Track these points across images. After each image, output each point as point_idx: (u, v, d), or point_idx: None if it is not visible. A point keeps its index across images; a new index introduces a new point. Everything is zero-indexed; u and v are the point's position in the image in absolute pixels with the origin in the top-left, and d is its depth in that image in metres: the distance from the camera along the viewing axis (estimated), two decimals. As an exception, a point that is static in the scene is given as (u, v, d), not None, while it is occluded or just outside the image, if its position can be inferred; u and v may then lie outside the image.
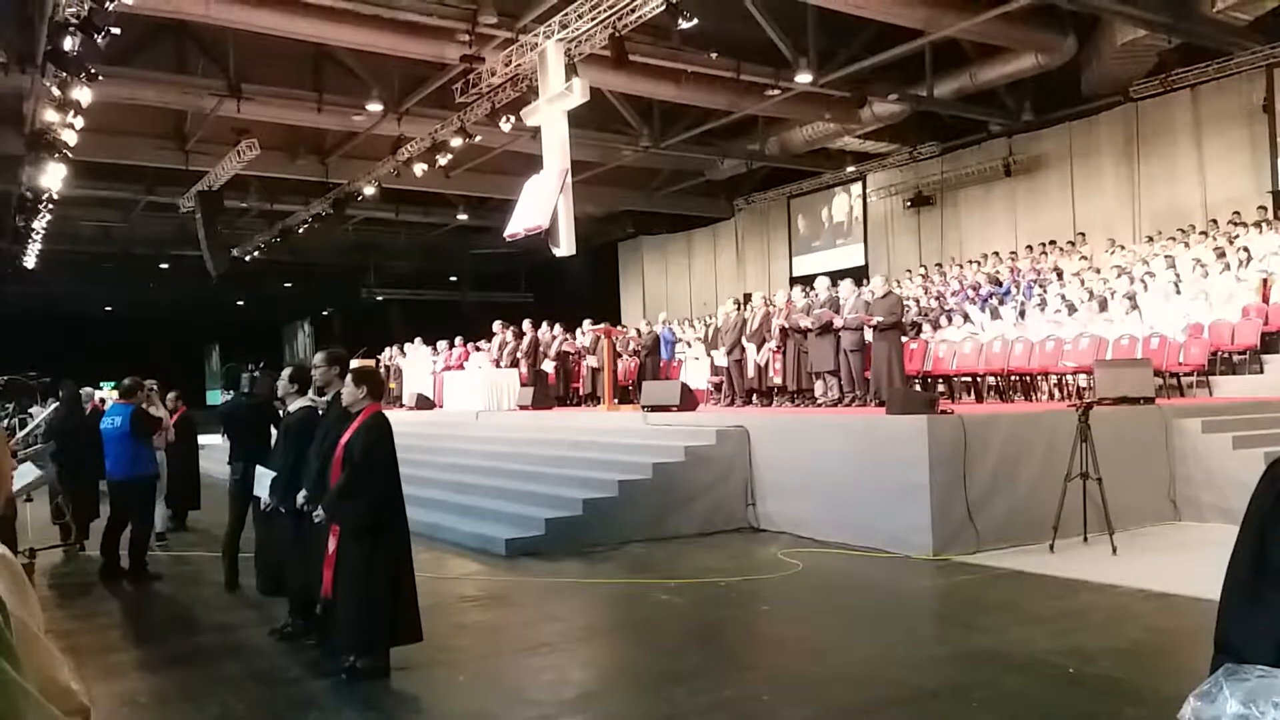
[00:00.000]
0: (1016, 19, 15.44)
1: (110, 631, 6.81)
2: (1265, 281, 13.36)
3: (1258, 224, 15.95)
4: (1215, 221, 17.22)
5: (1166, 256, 15.42)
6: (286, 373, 6.57)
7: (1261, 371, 12.34)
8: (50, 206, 20.64)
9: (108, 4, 11.51)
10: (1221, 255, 14.58)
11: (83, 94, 13.67)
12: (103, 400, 13.04)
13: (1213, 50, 17.43)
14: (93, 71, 13.11)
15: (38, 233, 23.23)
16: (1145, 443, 9.62)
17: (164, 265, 33.54)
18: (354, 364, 6.76)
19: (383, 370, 21.19)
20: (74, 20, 11.71)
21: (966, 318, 15.33)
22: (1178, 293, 13.65)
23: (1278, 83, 17.63)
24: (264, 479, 6.28)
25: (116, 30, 12.07)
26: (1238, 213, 16.90)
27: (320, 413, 6.22)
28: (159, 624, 7.12)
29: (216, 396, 37.13)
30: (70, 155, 16.13)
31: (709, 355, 15.13)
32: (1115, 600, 6.68)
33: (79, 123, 14.79)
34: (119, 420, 8.57)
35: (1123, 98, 19.45)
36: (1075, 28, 16.68)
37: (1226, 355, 12.63)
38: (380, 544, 5.29)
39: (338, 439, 5.51)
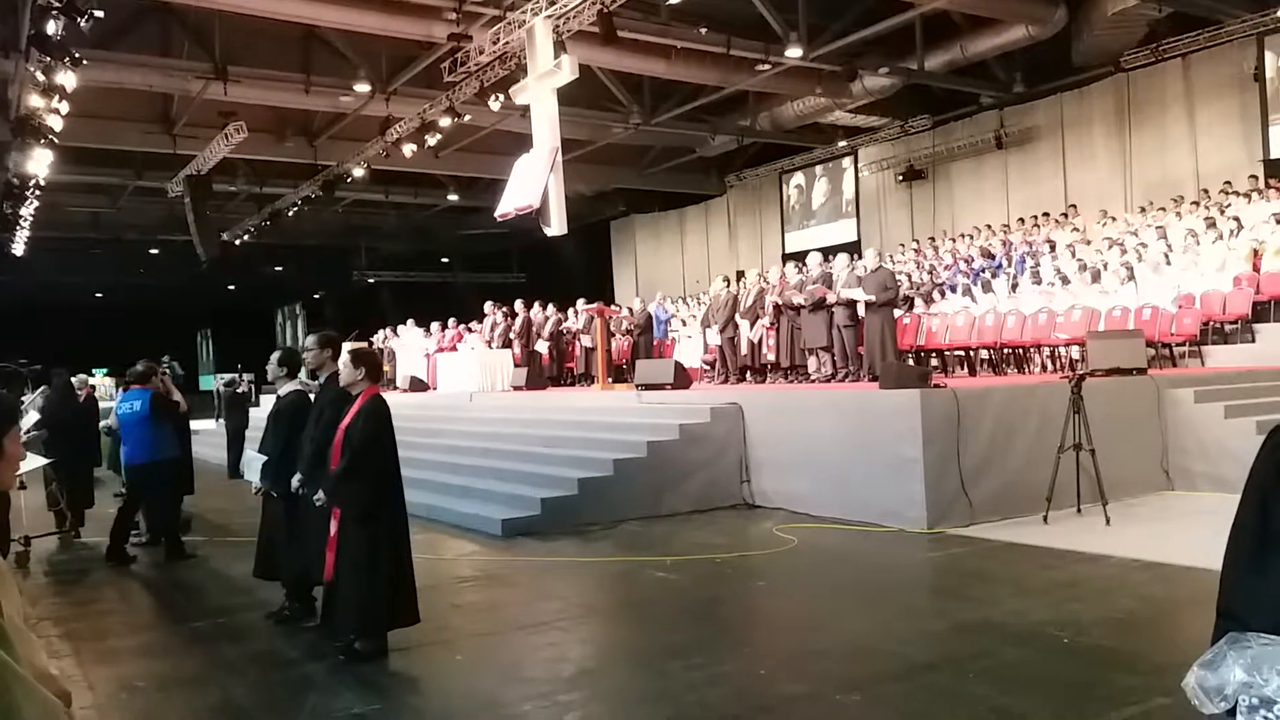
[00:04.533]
0: (1007, -11, 15.39)
1: (108, 617, 6.81)
2: (1256, 251, 13.37)
3: (1248, 193, 15.94)
4: (1206, 191, 17.22)
5: (1158, 228, 15.42)
6: (276, 356, 6.55)
7: (1253, 341, 12.37)
8: (38, 193, 20.52)
9: (90, -14, 11.40)
10: (1213, 225, 14.58)
11: (67, 78, 13.55)
12: (93, 387, 13.02)
13: (1203, 19, 17.39)
14: (77, 56, 12.99)
15: (26, 219, 23.10)
16: (1138, 413, 9.65)
17: (154, 250, 33.40)
18: (349, 346, 6.69)
19: (378, 352, 21.14)
20: (57, 3, 11.59)
21: (968, 291, 15.31)
22: (1168, 263, 13.66)
23: (1268, 51, 17.58)
24: (254, 463, 6.27)
25: (100, 13, 11.96)
26: (1229, 182, 16.90)
27: (311, 396, 6.20)
28: (156, 609, 7.13)
29: (210, 381, 37.01)
30: (57, 141, 16.02)
31: (703, 333, 15.12)
32: (1109, 570, 6.71)
33: (64, 108, 14.68)
34: (138, 405, 8.55)
35: (1114, 68, 19.39)
36: (1065, -3, 16.62)
37: (1218, 325, 12.66)
38: (382, 526, 5.31)
39: (333, 421, 5.51)
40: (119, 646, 5.95)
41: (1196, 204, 16.61)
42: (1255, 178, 16.67)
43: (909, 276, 16.92)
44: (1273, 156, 17.44)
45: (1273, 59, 17.54)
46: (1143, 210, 17.85)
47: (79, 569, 8.57)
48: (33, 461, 8.26)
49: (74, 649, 5.78)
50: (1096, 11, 16.69)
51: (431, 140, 18.59)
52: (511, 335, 18.10)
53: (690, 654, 5.22)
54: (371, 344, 21.46)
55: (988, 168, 22.42)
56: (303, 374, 6.57)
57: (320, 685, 5.01)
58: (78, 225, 29.36)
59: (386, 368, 20.91)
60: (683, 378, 12.48)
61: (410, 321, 22.00)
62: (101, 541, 8.84)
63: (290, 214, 25.41)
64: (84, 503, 10.11)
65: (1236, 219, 14.50)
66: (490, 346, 18.22)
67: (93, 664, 5.47)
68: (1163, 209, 17.16)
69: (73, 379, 11.20)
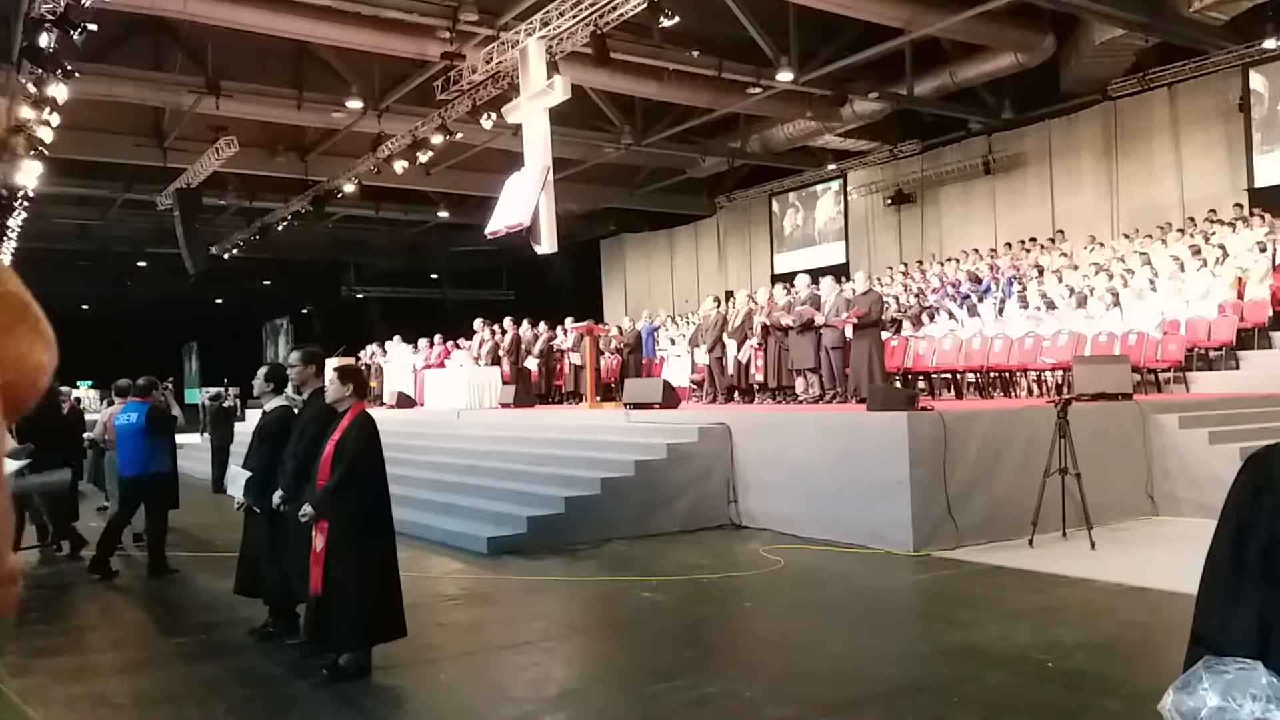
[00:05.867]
0: (996, 17, 15.54)
1: (88, 633, 6.75)
2: (1240, 279, 13.49)
3: (1233, 221, 16.10)
4: (1192, 219, 17.37)
5: (1141, 254, 15.55)
6: (262, 372, 6.54)
7: (1237, 367, 12.46)
8: (26, 204, 20.45)
9: (84, 0, 11.40)
10: (1198, 253, 14.71)
11: (59, 91, 13.54)
12: (78, 400, 12.97)
13: (1189, 49, 17.58)
14: (69, 68, 12.99)
15: (13, 230, 23.00)
16: (1123, 438, 9.70)
17: (142, 263, 33.28)
18: (336, 362, 6.65)
19: (363, 369, 21.10)
20: (50, 16, 11.61)
21: (951, 315, 15.40)
22: (1154, 290, 13.77)
23: (1253, 82, 17.80)
24: (237, 478, 6.24)
25: (93, 26, 11.98)
26: (1214, 210, 17.05)
27: (295, 413, 6.18)
28: (138, 625, 7.07)
29: (195, 395, 36.84)
30: (46, 153, 15.98)
31: (691, 353, 15.15)
32: (1093, 595, 6.73)
33: (55, 120, 14.65)
34: (135, 417, 8.55)
35: (1101, 96, 19.59)
36: (1054, 26, 16.80)
37: (1203, 351, 12.75)
38: (372, 540, 5.31)
39: (316, 438, 5.50)
40: (99, 662, 5.90)
41: (1182, 231, 16.76)
42: (1240, 206, 16.83)
43: (896, 299, 17.00)
44: (1257, 185, 17.63)
45: (1257, 89, 17.76)
46: (1128, 237, 18.00)
47: (60, 583, 8.49)
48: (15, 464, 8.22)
49: (53, 665, 5.72)
50: (1084, 40, 16.88)
51: (423, 157, 18.62)
52: (500, 352, 18.08)
53: (675, 675, 5.21)
54: (359, 359, 21.43)
55: (976, 193, 22.57)
56: (289, 389, 6.55)
57: (303, 703, 4.98)
58: (65, 237, 29.26)
59: (374, 384, 20.87)
60: (671, 397, 12.50)
61: (398, 338, 21.96)
62: (84, 555, 8.77)
63: (280, 228, 25.38)
64: (66, 516, 10.02)
65: (1222, 247, 14.63)
66: (479, 363, 18.19)
67: (72, 680, 5.42)
68: (1149, 236, 17.31)
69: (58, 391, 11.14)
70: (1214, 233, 15.92)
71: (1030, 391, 13.27)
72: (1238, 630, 1.35)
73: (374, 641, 5.31)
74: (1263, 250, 13.88)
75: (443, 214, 28.34)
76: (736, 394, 13.56)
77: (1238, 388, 11.78)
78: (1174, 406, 10.38)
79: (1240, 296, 13.20)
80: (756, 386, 13.25)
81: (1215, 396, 11.45)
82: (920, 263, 21.43)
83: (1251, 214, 16.06)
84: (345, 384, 5.46)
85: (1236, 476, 1.43)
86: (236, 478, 6.28)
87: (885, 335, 13.30)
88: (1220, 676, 1.26)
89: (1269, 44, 16.49)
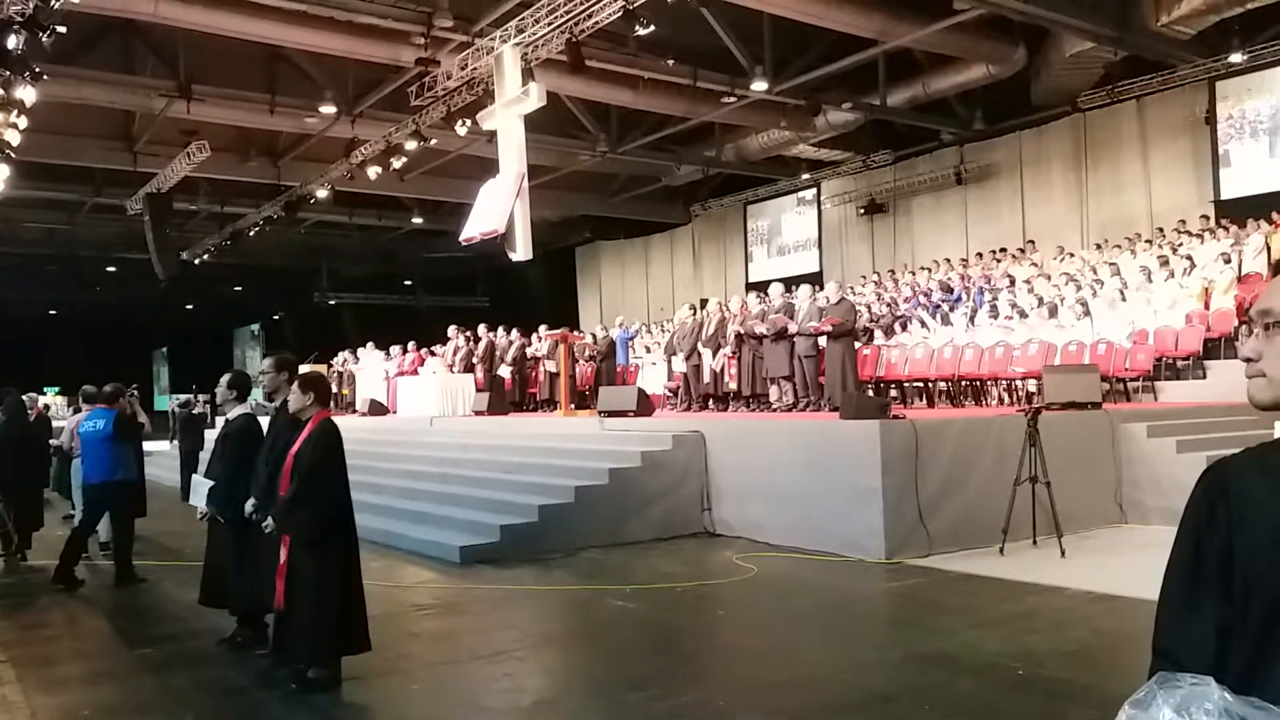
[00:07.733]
0: (968, 30, 15.69)
1: (54, 643, 6.65)
2: (1207, 289, 13.67)
3: (1200, 233, 16.31)
4: (1161, 230, 17.60)
5: (1110, 264, 15.72)
6: (225, 379, 6.47)
7: (1204, 377, 12.62)
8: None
9: (53, 2, 11.27)
10: (1166, 263, 14.89)
11: (27, 93, 13.36)
12: (46, 406, 12.80)
13: (1157, 63, 17.84)
14: (37, 70, 12.83)
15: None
16: (1092, 447, 9.79)
17: (111, 268, 32.91)
18: (302, 369, 6.60)
19: (335, 376, 20.97)
20: (18, 18, 11.45)
21: (923, 324, 15.50)
22: (1123, 300, 13.93)
23: (1219, 95, 18.07)
24: (200, 488, 6.17)
25: (62, 29, 11.83)
26: (1182, 221, 17.28)
27: (261, 420, 6.12)
28: (105, 635, 6.97)
29: (165, 402, 36.44)
30: (14, 156, 15.75)
31: (668, 360, 15.15)
32: (1063, 602, 6.79)
33: (23, 123, 14.46)
34: (101, 424, 8.44)
35: (1071, 108, 19.82)
36: (1025, 39, 16.99)
37: (1171, 361, 12.91)
38: (332, 553, 5.23)
39: (287, 446, 5.43)
40: (66, 674, 5.81)
41: (1150, 242, 16.96)
42: (1206, 218, 17.06)
43: (869, 308, 17.08)
44: (1223, 197, 17.89)
45: (1223, 102, 18.03)
46: (1098, 247, 18.20)
47: (26, 592, 8.37)
48: None
49: (19, 676, 5.63)
50: (1055, 53, 17.08)
51: (397, 163, 18.54)
52: (474, 360, 18.02)
53: (649, 684, 5.20)
54: (331, 367, 21.28)
55: (947, 203, 22.76)
56: (257, 395, 6.48)
57: (272, 715, 4.93)
58: (33, 241, 28.89)
59: (346, 391, 20.73)
60: (645, 405, 12.49)
61: (370, 344, 21.83)
62: (49, 564, 8.64)
63: (251, 234, 25.15)
64: (32, 524, 9.88)
65: (1189, 257, 14.81)
66: (452, 370, 18.11)
67: (38, 692, 5.33)
68: (1118, 246, 17.51)
69: (24, 397, 10.99)
70: (1181, 243, 16.12)
71: (1001, 400, 13.37)
72: (1196, 643, 1.37)
73: (336, 656, 5.24)
74: (1227, 261, 14.07)
75: (416, 220, 28.22)
76: (711, 402, 13.57)
77: (1204, 397, 11.92)
78: (1142, 415, 10.49)
79: (1207, 307, 13.38)
80: (731, 394, 13.27)
81: (1183, 405, 11.59)
82: (892, 272, 21.54)
83: (1218, 225, 16.29)
84: (306, 393, 5.39)
85: (1194, 489, 1.45)
86: (199, 487, 6.21)
87: (858, 344, 13.37)
88: (1174, 692, 1.27)
89: (1235, 58, 16.78)
